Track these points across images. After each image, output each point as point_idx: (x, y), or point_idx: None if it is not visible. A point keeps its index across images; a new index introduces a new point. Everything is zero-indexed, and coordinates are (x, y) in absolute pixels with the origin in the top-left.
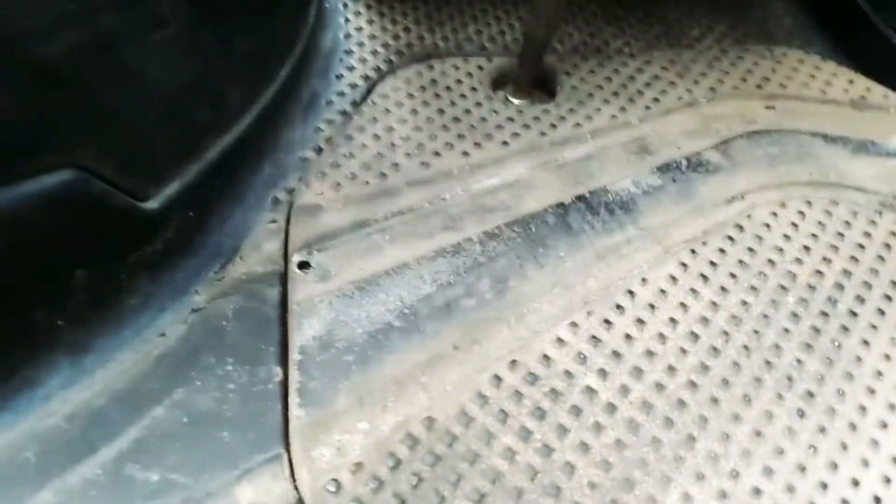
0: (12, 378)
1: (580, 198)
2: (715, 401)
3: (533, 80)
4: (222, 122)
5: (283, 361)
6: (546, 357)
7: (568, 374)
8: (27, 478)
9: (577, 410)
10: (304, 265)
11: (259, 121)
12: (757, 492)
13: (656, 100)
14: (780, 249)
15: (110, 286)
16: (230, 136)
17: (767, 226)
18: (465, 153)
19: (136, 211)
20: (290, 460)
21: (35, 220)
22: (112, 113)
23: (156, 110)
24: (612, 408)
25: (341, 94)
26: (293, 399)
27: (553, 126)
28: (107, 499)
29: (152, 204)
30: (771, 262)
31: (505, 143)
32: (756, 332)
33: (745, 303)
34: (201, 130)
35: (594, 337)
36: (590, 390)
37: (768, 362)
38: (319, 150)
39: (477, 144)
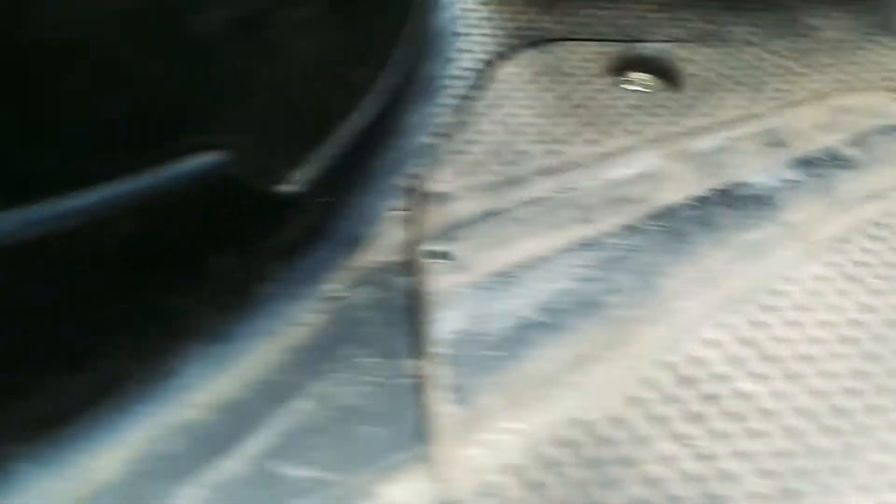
0: (152, 369)
1: (717, 190)
2: (876, 408)
3: (654, 67)
4: (348, 105)
5: (420, 355)
6: (698, 359)
7: (722, 377)
8: (171, 472)
9: (734, 415)
10: (436, 255)
11: (379, 105)
12: None
13: (783, 90)
14: None
15: (246, 273)
16: (355, 120)
17: None
18: (593, 141)
19: (273, 194)
20: (436, 459)
21: (179, 203)
22: (253, 92)
23: (292, 91)
24: (770, 413)
25: (457, 78)
26: (437, 395)
27: (680, 115)
28: (255, 496)
29: (288, 188)
30: None
31: (633, 131)
32: None
33: None
34: (331, 113)
35: (745, 339)
36: (746, 395)
37: None
38: (440, 136)
39: (604, 132)
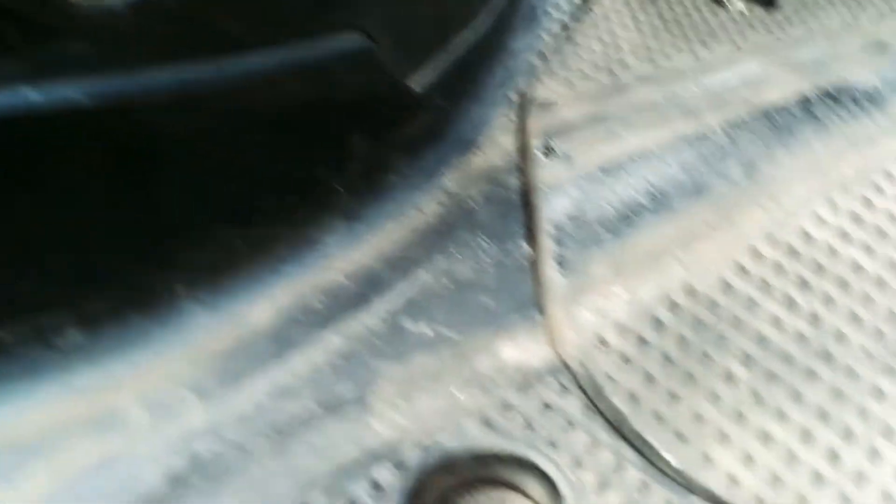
0: (298, 236)
1: (823, 91)
2: None
3: None
4: (463, 20)
5: (532, 240)
6: (806, 234)
7: (831, 249)
8: (317, 322)
9: (844, 283)
10: (546, 150)
11: (489, 24)
12: None
13: (888, 3)
14: None
15: (377, 161)
16: (469, 34)
17: None
18: (694, 53)
19: (404, 88)
20: (547, 324)
21: (326, 77)
22: None
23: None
24: (881, 282)
25: (556, 5)
26: (550, 266)
27: (782, 28)
28: (386, 345)
29: (414, 85)
30: None
31: (734, 43)
32: None
33: None
34: (449, 26)
35: (855, 215)
36: (856, 265)
37: None
38: (544, 57)
39: (704, 45)
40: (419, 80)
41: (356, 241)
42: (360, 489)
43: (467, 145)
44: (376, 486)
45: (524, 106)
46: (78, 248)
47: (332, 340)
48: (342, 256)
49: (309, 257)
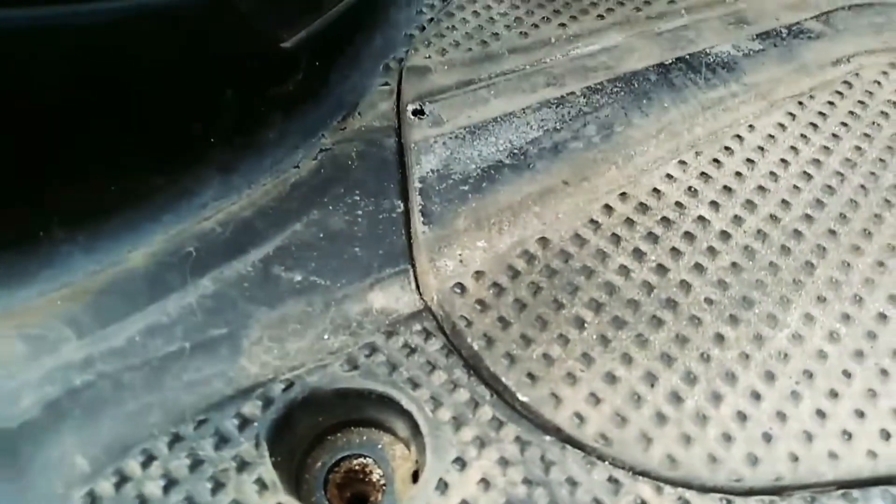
0: (174, 186)
1: (680, 59)
2: (833, 233)
3: None
4: None
5: (404, 196)
6: (656, 190)
7: (679, 205)
8: (191, 267)
9: (690, 237)
10: (417, 112)
11: None
12: (883, 317)
13: None
14: (895, 103)
15: (253, 115)
16: (345, 2)
17: (878, 83)
18: (563, 25)
19: (273, 46)
20: (415, 274)
21: (200, 26)
22: None
23: None
24: (726, 235)
25: None
26: (416, 218)
27: (647, 3)
28: (258, 290)
29: (286, 45)
30: (884, 113)
31: (600, 16)
32: (873, 174)
33: (859, 148)
34: None
35: (704, 174)
36: (702, 220)
37: (888, 201)
38: (423, 29)
39: (573, 17)
40: (293, 40)
41: (232, 193)
42: (228, 422)
43: (346, 108)
44: (243, 419)
45: (401, 72)
46: None
47: (205, 285)
48: (217, 206)
49: (185, 206)
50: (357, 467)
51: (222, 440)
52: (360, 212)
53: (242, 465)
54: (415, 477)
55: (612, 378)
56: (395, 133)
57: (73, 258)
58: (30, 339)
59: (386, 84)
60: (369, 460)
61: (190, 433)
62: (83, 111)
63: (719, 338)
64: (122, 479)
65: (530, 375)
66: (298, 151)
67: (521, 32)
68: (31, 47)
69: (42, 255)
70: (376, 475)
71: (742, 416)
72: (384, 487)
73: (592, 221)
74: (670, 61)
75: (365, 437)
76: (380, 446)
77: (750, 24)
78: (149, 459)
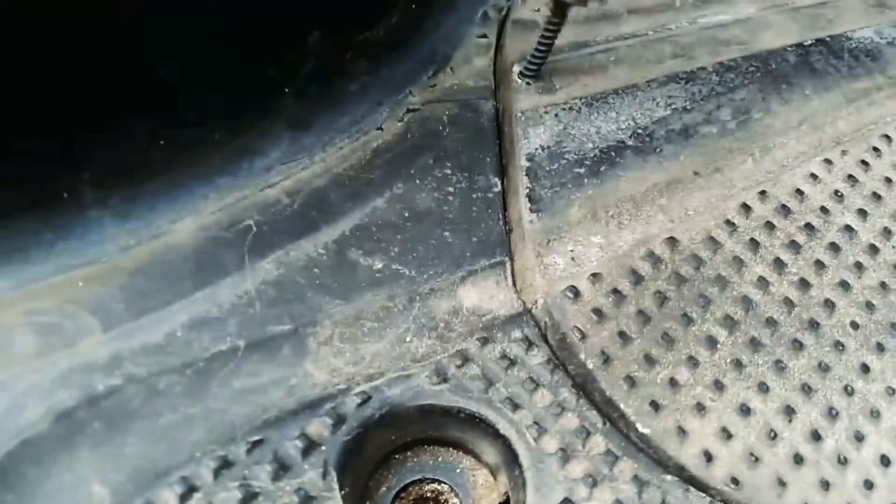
0: (234, 142)
1: (820, 41)
2: None
3: None
4: None
5: (502, 173)
6: (799, 191)
7: (825, 210)
8: (249, 245)
9: (836, 248)
10: (524, 75)
11: None
12: None
13: None
14: None
15: (335, 64)
16: None
17: None
18: None
19: None
20: (512, 269)
21: None
22: None
23: None
24: (874, 250)
25: None
26: (522, 203)
27: None
28: (330, 278)
29: None
30: None
31: None
32: None
33: None
34: None
35: (851, 177)
36: (849, 230)
37: None
38: None
39: None
40: None
41: (303, 155)
42: (289, 444)
43: (438, 61)
44: (308, 441)
45: (504, 24)
46: None
47: (267, 269)
48: (285, 171)
49: (245, 168)
50: (429, 494)
51: (281, 467)
52: (451, 188)
53: (306, 501)
54: None
55: (745, 410)
56: (492, 96)
57: (103, 227)
58: (42, 329)
59: (483, 36)
60: (444, 486)
61: (241, 457)
62: (122, 34)
63: (864, 368)
64: None
65: (653, 403)
66: (382, 109)
67: None
68: None
69: (62, 220)
70: None
71: (886, 461)
72: None
73: (728, 222)
74: (810, 42)
75: (441, 459)
76: (458, 471)
77: (892, 8)
78: (189, 490)
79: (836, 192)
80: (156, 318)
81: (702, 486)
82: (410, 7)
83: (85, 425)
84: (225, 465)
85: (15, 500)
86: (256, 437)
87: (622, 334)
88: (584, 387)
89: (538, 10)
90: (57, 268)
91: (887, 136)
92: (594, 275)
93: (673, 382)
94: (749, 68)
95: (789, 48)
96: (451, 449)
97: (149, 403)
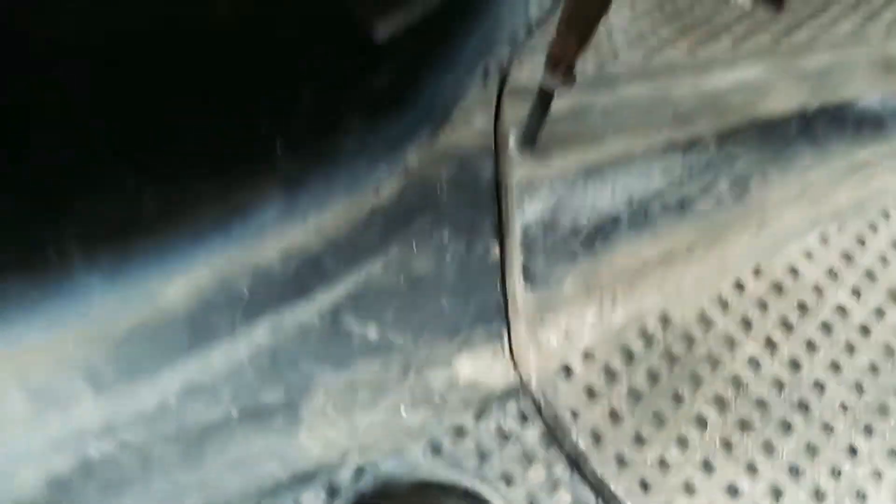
0: (228, 200)
1: (824, 108)
2: None
3: None
4: None
5: (500, 238)
6: (794, 269)
7: (818, 289)
8: (241, 310)
9: (827, 328)
10: (521, 144)
11: None
12: None
13: None
14: None
15: (329, 118)
16: None
17: None
18: (691, 49)
19: (363, 36)
20: (510, 340)
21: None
22: None
23: None
24: (865, 330)
25: None
26: (516, 277)
27: (787, 32)
28: (324, 347)
29: (379, 36)
30: None
31: (735, 42)
32: None
33: None
34: None
35: (846, 255)
36: (842, 310)
37: None
38: (529, 30)
39: (703, 42)
40: (383, 29)
41: (297, 217)
42: None
43: (437, 119)
44: None
45: (503, 85)
46: None
47: (259, 334)
48: (279, 233)
49: (238, 229)
50: None
51: None
52: (448, 253)
53: None
54: None
55: (734, 491)
56: (491, 157)
57: (92, 289)
58: (34, 392)
59: (484, 93)
60: None
61: None
62: (110, 87)
63: (851, 451)
64: None
65: (643, 483)
66: (379, 167)
67: (643, 55)
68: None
69: (51, 281)
70: None
71: None
72: None
73: (721, 300)
74: (814, 109)
75: None
76: None
77: None
78: None
79: (831, 270)
80: (148, 383)
81: None
82: (408, 60)
83: (79, 492)
84: None
85: None
86: None
87: (613, 413)
88: (577, 464)
89: (536, 73)
90: (46, 330)
91: (885, 213)
92: (587, 353)
93: (662, 462)
94: (749, 136)
95: (792, 115)
96: None
97: (142, 471)
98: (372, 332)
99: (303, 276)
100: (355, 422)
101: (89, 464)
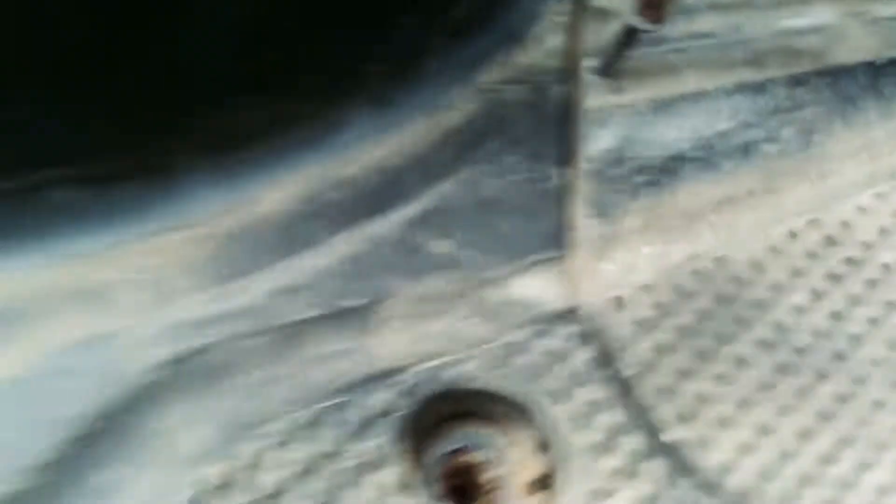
0: (321, 116)
1: (893, 62)
2: None
3: None
4: None
5: (566, 165)
6: (846, 224)
7: (867, 245)
8: (327, 220)
9: (872, 284)
10: (595, 70)
11: None
12: None
13: None
14: None
15: (417, 41)
16: None
17: None
18: None
19: None
20: (568, 267)
21: None
22: None
23: None
24: None
25: None
26: (580, 207)
27: None
28: (398, 259)
29: None
30: None
31: None
32: None
33: None
34: None
35: None
36: (888, 268)
37: None
38: None
39: None
40: None
41: (382, 132)
42: (355, 411)
43: (512, 41)
44: (370, 408)
45: (578, 7)
46: (76, 97)
47: (342, 244)
48: (365, 148)
49: (328, 144)
50: (470, 461)
51: (350, 431)
52: (514, 177)
53: (371, 462)
54: (532, 488)
55: (766, 429)
56: (563, 81)
57: (196, 192)
58: (140, 286)
59: (560, 15)
60: (483, 457)
61: (318, 418)
62: (223, 17)
63: (880, 404)
64: (238, 465)
65: (681, 414)
66: (456, 88)
67: None
68: None
69: (160, 185)
70: (490, 474)
71: (882, 491)
72: (494, 491)
73: (774, 248)
74: (883, 62)
75: (483, 435)
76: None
77: None
78: (272, 444)
79: (883, 228)
80: (244, 282)
81: (717, 494)
82: None
83: (179, 378)
84: (303, 425)
85: (111, 446)
86: (331, 402)
87: (661, 346)
88: (622, 390)
89: None
90: (153, 229)
91: None
92: (642, 286)
93: (701, 397)
94: (819, 85)
95: (861, 66)
96: (494, 427)
97: (238, 362)
98: (441, 248)
99: (382, 191)
100: (421, 331)
101: (189, 353)
